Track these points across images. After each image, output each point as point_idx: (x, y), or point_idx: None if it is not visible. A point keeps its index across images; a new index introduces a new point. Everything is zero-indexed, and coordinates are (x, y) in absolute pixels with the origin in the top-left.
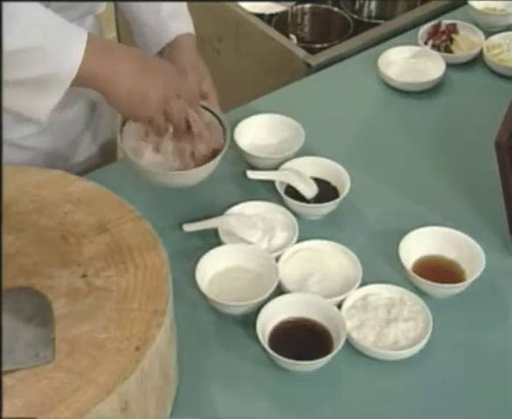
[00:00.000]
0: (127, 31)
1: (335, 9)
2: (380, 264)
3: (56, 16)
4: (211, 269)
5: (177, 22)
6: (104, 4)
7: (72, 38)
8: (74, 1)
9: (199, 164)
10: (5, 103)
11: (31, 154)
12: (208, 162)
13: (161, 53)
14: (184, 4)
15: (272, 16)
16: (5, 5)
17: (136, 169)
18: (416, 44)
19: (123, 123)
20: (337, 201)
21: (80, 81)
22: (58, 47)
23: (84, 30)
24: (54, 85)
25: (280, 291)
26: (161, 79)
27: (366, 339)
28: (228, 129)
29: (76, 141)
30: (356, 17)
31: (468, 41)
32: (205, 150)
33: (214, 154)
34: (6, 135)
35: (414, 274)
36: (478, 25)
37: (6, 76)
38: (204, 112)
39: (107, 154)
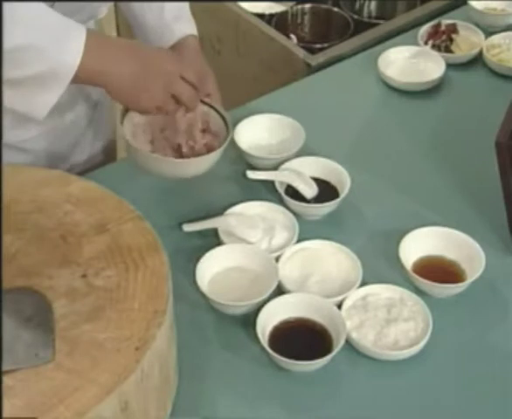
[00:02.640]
0: (127, 32)
1: (335, 9)
2: (380, 264)
3: (54, 13)
4: (211, 269)
5: (181, 24)
6: (106, 9)
7: (71, 35)
8: (78, 0)
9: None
10: (4, 101)
11: (31, 156)
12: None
13: None
14: (187, 6)
15: (272, 16)
16: (5, 4)
17: (138, 157)
18: (416, 44)
19: (125, 112)
20: (337, 201)
21: (81, 78)
22: (57, 44)
23: (82, 26)
24: (54, 83)
25: (279, 291)
26: (162, 67)
27: (366, 339)
28: (230, 124)
29: (76, 142)
30: (356, 17)
31: (468, 41)
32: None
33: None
34: (4, 139)
35: (414, 274)
36: (478, 25)
37: (5, 74)
38: (206, 109)
39: (107, 154)
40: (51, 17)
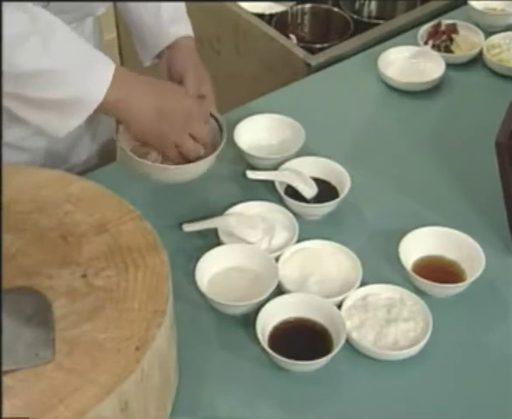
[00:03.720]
0: (127, 32)
1: (335, 9)
2: (380, 264)
3: (84, 42)
4: (211, 269)
5: (177, 25)
6: (105, 8)
7: (99, 65)
8: (74, 0)
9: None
10: (26, 117)
11: (31, 154)
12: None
13: (160, 55)
14: (183, 7)
15: (272, 16)
16: (37, 26)
17: (132, 165)
18: (416, 44)
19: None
20: (337, 201)
21: (105, 109)
22: (85, 73)
23: (109, 59)
24: (78, 110)
25: (279, 291)
26: (179, 116)
27: (366, 339)
28: (225, 127)
29: (76, 142)
30: (356, 17)
31: (468, 41)
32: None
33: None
34: (3, 137)
35: (414, 274)
36: (478, 25)
37: (31, 93)
38: None
39: (107, 154)
40: (81, 46)
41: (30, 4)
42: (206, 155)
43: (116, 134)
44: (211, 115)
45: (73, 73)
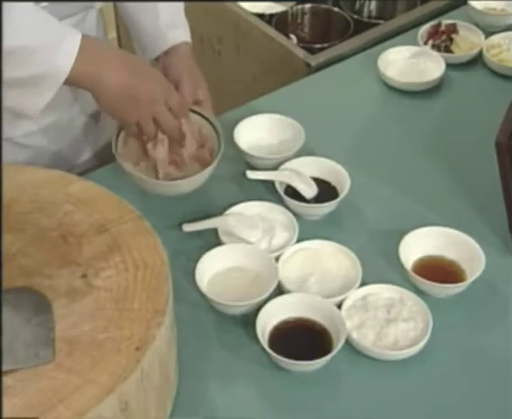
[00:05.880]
0: (127, 31)
1: (335, 9)
2: (380, 264)
3: (49, 16)
4: (211, 269)
5: (175, 31)
6: None
7: (65, 39)
8: (74, 0)
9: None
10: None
11: (33, 152)
12: (203, 170)
13: (157, 59)
14: (182, 12)
15: (272, 16)
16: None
17: (135, 181)
18: (416, 44)
19: (118, 133)
20: (337, 201)
21: (70, 81)
22: (50, 48)
23: (77, 32)
24: (46, 85)
25: (279, 291)
26: (149, 86)
27: (366, 339)
28: (222, 136)
29: (77, 141)
30: (356, 17)
31: (468, 41)
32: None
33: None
34: (7, 133)
35: (414, 274)
36: (478, 25)
37: (6, 74)
38: (197, 118)
39: (108, 154)
40: (45, 21)
41: None
42: (203, 164)
43: (115, 151)
44: (210, 122)
45: (43, 49)
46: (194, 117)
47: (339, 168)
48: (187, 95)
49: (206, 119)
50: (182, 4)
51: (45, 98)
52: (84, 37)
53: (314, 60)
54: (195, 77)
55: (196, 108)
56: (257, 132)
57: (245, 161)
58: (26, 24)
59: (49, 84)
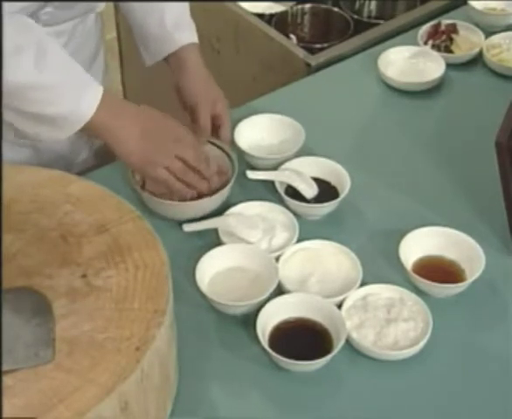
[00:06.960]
0: (127, 31)
1: (335, 9)
2: (380, 264)
3: (73, 60)
4: (211, 269)
5: (181, 32)
6: (103, 4)
7: (89, 87)
8: (74, 0)
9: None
10: (20, 127)
11: (32, 152)
12: (214, 194)
13: (166, 61)
14: (187, 12)
15: (272, 16)
16: (31, 41)
17: (142, 197)
18: (416, 44)
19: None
20: (337, 201)
21: (88, 130)
22: (78, 90)
23: (99, 84)
24: (68, 125)
25: (279, 291)
26: (165, 137)
27: (366, 339)
28: (235, 163)
29: (77, 141)
30: (356, 17)
31: (468, 41)
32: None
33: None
34: (6, 135)
35: (414, 274)
36: (478, 25)
37: (26, 107)
38: (210, 146)
39: (108, 154)
40: (73, 64)
41: (24, 17)
42: (215, 189)
43: (133, 180)
44: (223, 150)
45: (67, 90)
46: (209, 147)
47: (339, 168)
48: (203, 121)
49: (219, 147)
50: (187, 5)
51: (59, 136)
52: (105, 90)
53: (314, 60)
54: (211, 90)
55: (212, 140)
56: (257, 132)
57: (245, 161)
58: (58, 65)
59: (67, 126)
